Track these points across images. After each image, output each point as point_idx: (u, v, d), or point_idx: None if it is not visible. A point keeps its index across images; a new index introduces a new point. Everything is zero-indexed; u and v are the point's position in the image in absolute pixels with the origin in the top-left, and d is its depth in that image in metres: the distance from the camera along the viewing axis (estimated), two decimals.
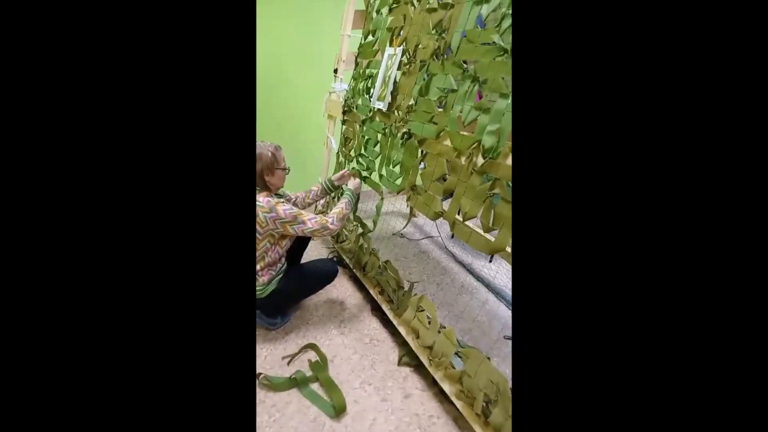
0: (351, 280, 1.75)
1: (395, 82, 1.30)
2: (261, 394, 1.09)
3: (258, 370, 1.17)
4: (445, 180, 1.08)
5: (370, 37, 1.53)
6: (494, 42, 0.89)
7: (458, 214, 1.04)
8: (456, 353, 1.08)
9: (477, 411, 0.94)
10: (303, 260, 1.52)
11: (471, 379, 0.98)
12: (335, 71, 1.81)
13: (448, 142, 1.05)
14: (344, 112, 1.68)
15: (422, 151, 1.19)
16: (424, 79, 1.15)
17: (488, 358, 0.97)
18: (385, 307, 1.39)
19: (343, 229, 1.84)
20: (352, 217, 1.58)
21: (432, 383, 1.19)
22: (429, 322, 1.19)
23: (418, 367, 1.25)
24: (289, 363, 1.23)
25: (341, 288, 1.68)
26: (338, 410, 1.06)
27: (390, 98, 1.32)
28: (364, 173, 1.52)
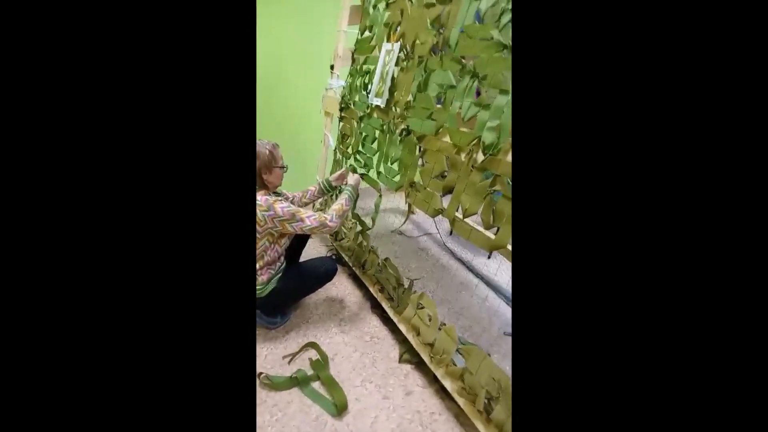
0: (350, 278, 1.74)
1: (393, 78, 1.29)
2: (262, 394, 1.09)
3: (259, 369, 1.17)
4: (444, 177, 1.08)
5: (366, 33, 1.52)
6: (492, 37, 0.88)
7: (458, 211, 1.03)
8: (457, 350, 1.08)
9: (479, 408, 0.94)
10: (302, 259, 1.52)
11: (472, 376, 0.98)
12: (332, 67, 1.79)
13: (447, 139, 1.05)
14: (341, 109, 1.67)
15: (420, 148, 1.18)
16: (422, 75, 1.14)
17: (489, 355, 0.97)
18: (385, 305, 1.39)
19: (342, 227, 1.83)
20: (350, 215, 1.57)
21: (433, 380, 1.20)
22: (429, 320, 1.18)
23: (419, 365, 1.25)
24: (290, 362, 1.23)
25: (340, 286, 1.68)
26: (340, 408, 1.06)
27: (388, 94, 1.31)
28: (362, 170, 1.51)
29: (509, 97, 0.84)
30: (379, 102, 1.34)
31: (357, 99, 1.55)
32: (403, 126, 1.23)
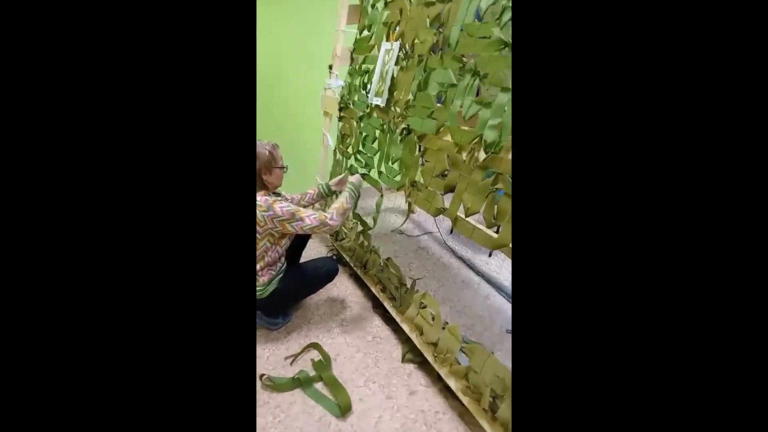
0: (351, 278, 1.74)
1: (393, 77, 1.29)
2: (265, 395, 1.09)
3: (261, 370, 1.16)
4: (445, 176, 1.08)
5: (365, 32, 1.51)
6: (493, 36, 0.88)
7: (459, 210, 1.03)
8: (460, 349, 1.08)
9: (484, 406, 0.94)
10: (302, 259, 1.51)
11: (477, 375, 0.98)
12: (330, 67, 1.79)
13: (448, 138, 1.04)
14: (341, 109, 1.67)
15: (420, 147, 1.18)
16: (422, 74, 1.13)
17: (492, 353, 0.97)
18: (387, 305, 1.39)
19: (343, 227, 1.82)
20: (351, 214, 1.56)
21: (436, 379, 1.19)
22: (433, 319, 1.18)
23: (422, 364, 1.25)
24: (292, 363, 1.22)
25: (342, 286, 1.67)
26: (344, 409, 1.05)
27: (388, 94, 1.30)
28: (363, 170, 1.51)
29: (510, 95, 0.84)
30: (379, 101, 1.34)
31: (356, 99, 1.54)
32: (403, 125, 1.23)
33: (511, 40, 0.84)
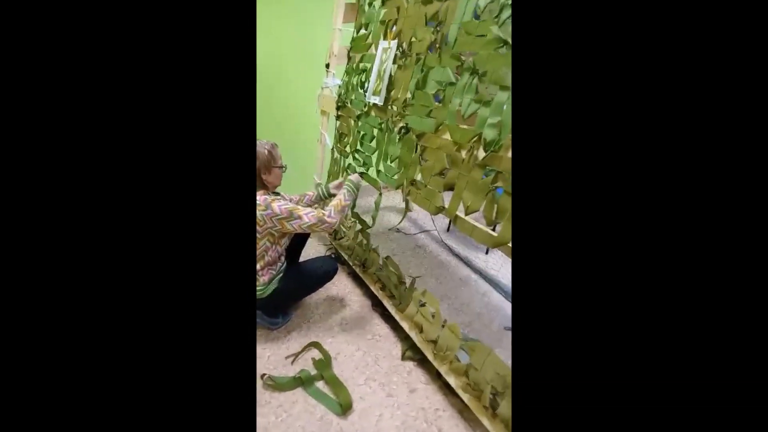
0: (350, 276, 1.74)
1: (391, 76, 1.29)
2: (266, 395, 1.09)
3: (262, 370, 1.16)
4: (444, 174, 1.08)
5: (362, 31, 1.51)
6: (492, 34, 0.88)
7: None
8: (460, 346, 1.09)
9: (485, 403, 0.95)
10: (301, 259, 1.51)
11: (477, 372, 0.99)
12: (327, 66, 1.78)
13: (447, 136, 1.05)
14: (338, 108, 1.66)
15: (418, 146, 1.18)
16: (420, 73, 1.13)
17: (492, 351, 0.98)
18: (386, 303, 1.39)
19: (342, 226, 1.82)
20: (350, 213, 1.56)
21: (436, 376, 1.20)
22: (432, 316, 1.19)
23: (422, 361, 1.26)
24: (293, 362, 1.22)
25: (341, 285, 1.67)
26: (345, 408, 1.06)
27: (385, 92, 1.30)
28: (361, 169, 1.51)
29: (509, 94, 0.84)
30: (377, 100, 1.34)
31: (354, 97, 1.54)
32: (401, 124, 1.23)
33: (510, 39, 0.84)
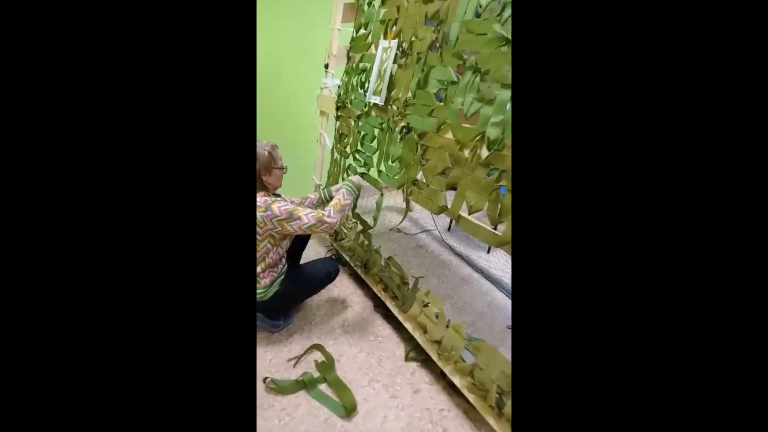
0: (351, 277, 1.73)
1: (391, 75, 1.28)
2: (269, 398, 1.08)
3: (264, 373, 1.15)
4: (445, 174, 1.07)
5: (362, 31, 1.50)
6: (494, 32, 0.87)
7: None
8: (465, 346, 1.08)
9: (490, 403, 0.95)
10: (302, 261, 1.50)
11: (483, 372, 0.98)
12: (326, 66, 1.77)
13: (449, 135, 1.04)
14: (338, 108, 1.65)
15: (419, 145, 1.17)
16: (422, 72, 1.13)
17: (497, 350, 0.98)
18: (389, 304, 1.38)
19: (342, 227, 1.81)
20: (351, 214, 1.55)
21: (440, 377, 1.19)
22: (436, 317, 1.18)
23: (425, 362, 1.25)
24: (295, 365, 1.21)
25: (342, 286, 1.66)
26: (349, 410, 1.05)
27: (386, 92, 1.29)
28: (362, 169, 1.50)
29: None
30: (378, 100, 1.33)
31: (354, 97, 1.53)
32: (403, 123, 1.23)
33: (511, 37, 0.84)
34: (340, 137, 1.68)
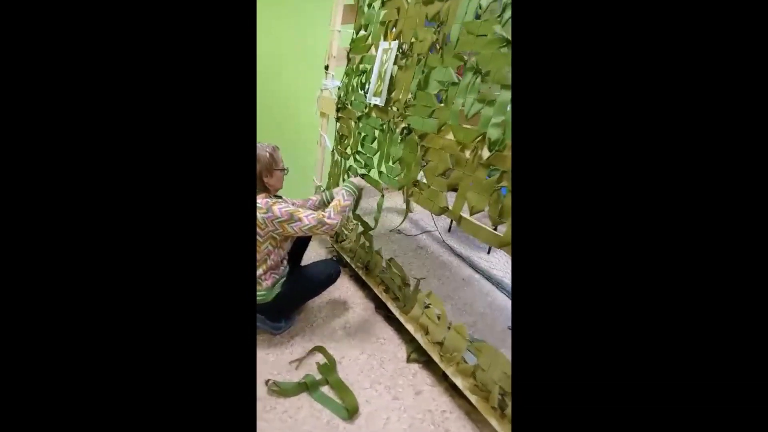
0: (352, 279, 1.73)
1: (391, 77, 1.28)
2: (272, 401, 1.07)
3: (266, 375, 1.15)
4: (446, 175, 1.07)
5: (362, 32, 1.50)
6: (494, 33, 0.87)
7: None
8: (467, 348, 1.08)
9: (493, 404, 0.94)
10: (303, 262, 1.50)
11: (485, 373, 0.98)
12: (326, 68, 1.77)
13: (450, 136, 1.04)
14: (338, 109, 1.66)
15: (421, 146, 1.17)
16: (422, 73, 1.13)
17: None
18: (390, 305, 1.38)
19: (343, 229, 1.81)
20: (351, 215, 1.55)
21: (442, 378, 1.19)
22: (438, 318, 1.18)
23: (427, 363, 1.25)
24: (297, 367, 1.21)
25: (343, 288, 1.66)
26: (351, 412, 1.05)
27: (386, 93, 1.30)
28: (363, 170, 1.50)
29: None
30: (378, 101, 1.33)
31: (354, 99, 1.53)
32: (403, 125, 1.23)
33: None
34: (340, 138, 1.68)
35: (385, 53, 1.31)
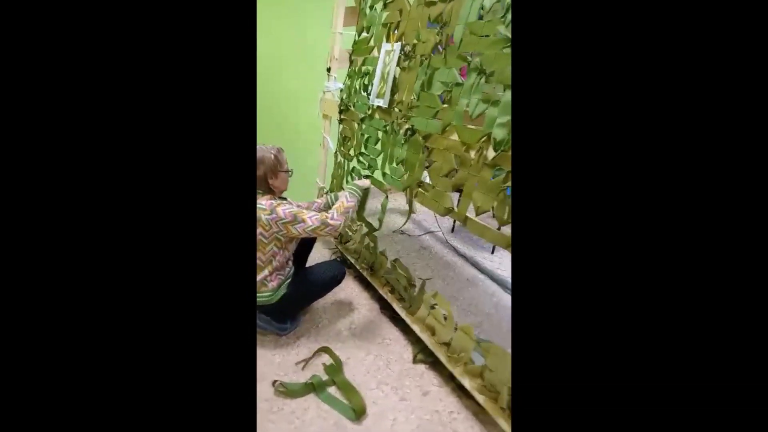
0: (357, 280, 1.73)
1: (394, 78, 1.29)
2: (279, 402, 1.08)
3: (272, 376, 1.15)
4: (450, 176, 1.08)
5: (364, 34, 1.51)
6: (498, 34, 0.88)
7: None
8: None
9: (502, 405, 0.94)
10: (308, 264, 1.50)
11: (493, 374, 0.98)
12: (328, 70, 1.78)
13: (454, 137, 1.04)
14: (341, 111, 1.66)
15: (424, 147, 1.18)
16: (426, 74, 1.13)
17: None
18: (396, 306, 1.38)
19: (348, 230, 1.82)
20: (356, 216, 1.56)
21: (448, 379, 1.19)
22: (445, 319, 1.18)
23: (433, 364, 1.25)
24: (303, 368, 1.21)
25: (348, 289, 1.66)
26: (358, 413, 1.05)
27: (389, 95, 1.30)
28: (366, 172, 1.50)
29: None
30: (381, 103, 1.34)
31: (357, 101, 1.54)
32: (407, 126, 1.23)
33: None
34: (343, 140, 1.68)
35: (387, 55, 1.31)
